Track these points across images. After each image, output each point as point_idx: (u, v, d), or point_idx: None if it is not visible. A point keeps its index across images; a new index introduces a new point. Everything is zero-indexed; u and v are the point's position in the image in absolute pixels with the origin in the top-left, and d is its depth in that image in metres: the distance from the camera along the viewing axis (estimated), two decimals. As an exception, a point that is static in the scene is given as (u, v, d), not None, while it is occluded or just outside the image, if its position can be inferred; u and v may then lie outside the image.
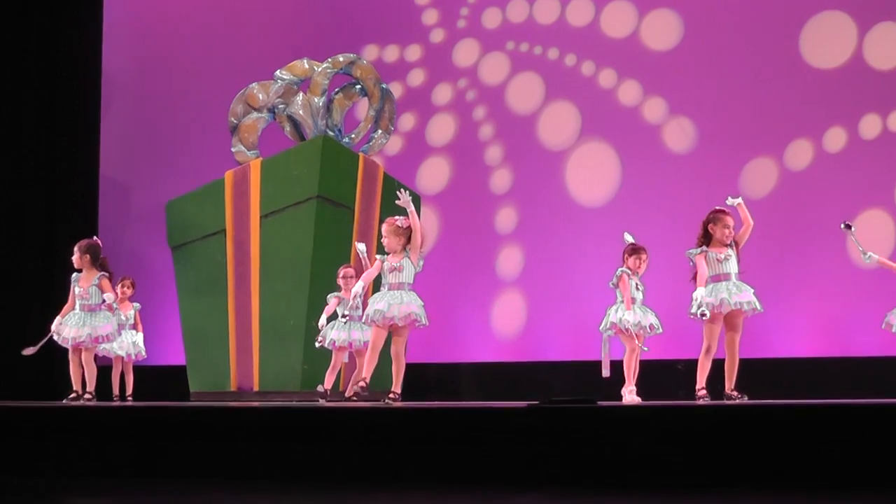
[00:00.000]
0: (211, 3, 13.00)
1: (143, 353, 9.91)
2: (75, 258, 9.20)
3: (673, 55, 11.76)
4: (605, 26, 11.94)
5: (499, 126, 12.14)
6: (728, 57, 11.54)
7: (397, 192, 8.19)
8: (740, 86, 11.45)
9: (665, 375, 8.74)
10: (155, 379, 10.28)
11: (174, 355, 10.43)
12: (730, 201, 8.14)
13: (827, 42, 11.43)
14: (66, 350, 9.15)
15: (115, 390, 9.46)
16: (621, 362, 8.25)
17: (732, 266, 7.98)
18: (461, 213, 12.05)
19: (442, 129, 12.28)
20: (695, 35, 11.70)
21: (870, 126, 11.21)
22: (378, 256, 8.24)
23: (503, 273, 11.93)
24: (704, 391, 7.90)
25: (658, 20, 11.82)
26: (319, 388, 8.93)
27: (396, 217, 8.21)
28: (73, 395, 9.21)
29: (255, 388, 9.90)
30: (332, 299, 9.04)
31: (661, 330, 8.24)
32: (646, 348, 8.19)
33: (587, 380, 8.26)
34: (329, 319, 8.97)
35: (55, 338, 9.09)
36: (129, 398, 9.78)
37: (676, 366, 9.14)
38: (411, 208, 8.12)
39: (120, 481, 6.41)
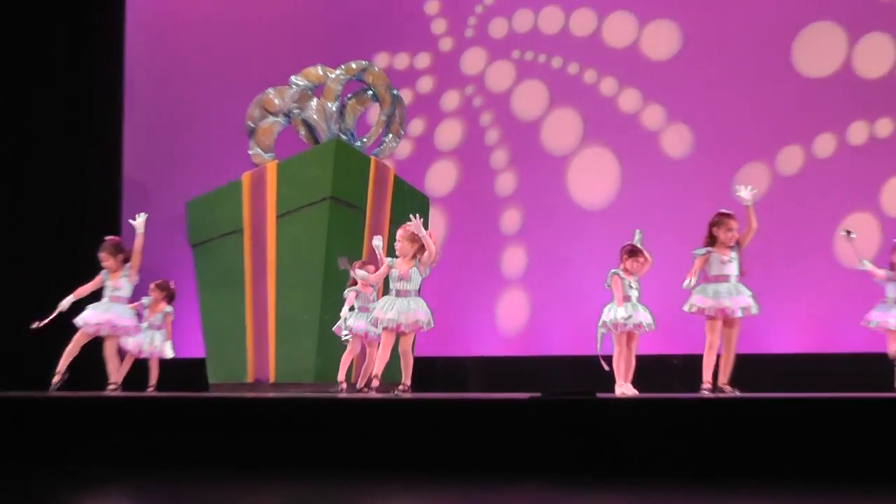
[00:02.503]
0: (229, 11, 13.03)
1: (167, 354, 9.87)
2: (106, 258, 9.23)
3: (671, 64, 11.80)
4: (606, 36, 11.99)
5: (504, 131, 12.19)
6: (723, 66, 11.58)
7: (410, 216, 8.16)
8: (735, 94, 11.49)
9: (663, 370, 8.78)
10: (176, 371, 10.30)
11: (194, 348, 10.47)
12: (743, 192, 8.18)
13: (818, 52, 11.48)
14: (62, 337, 9.18)
15: (115, 378, 9.41)
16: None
17: (734, 269, 8.01)
18: (468, 215, 12.10)
19: (450, 133, 12.34)
20: (692, 45, 11.75)
21: (857, 133, 11.26)
22: (387, 260, 8.29)
23: (507, 272, 11.99)
24: (710, 385, 7.87)
25: (657, 31, 11.86)
26: (340, 385, 9.00)
27: (410, 225, 8.21)
28: (111, 385, 9.28)
29: (271, 380, 9.92)
30: (349, 293, 9.10)
31: (653, 327, 8.26)
32: (606, 368, 8.23)
33: (588, 373, 8.27)
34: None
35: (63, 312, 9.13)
36: (151, 388, 9.81)
37: (672, 361, 9.20)
38: (423, 233, 8.10)
39: (143, 468, 6.45)
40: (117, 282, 9.19)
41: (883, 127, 11.24)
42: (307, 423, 6.74)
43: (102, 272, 9.23)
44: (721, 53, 11.61)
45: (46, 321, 9.12)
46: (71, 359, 9.10)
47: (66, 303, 9.15)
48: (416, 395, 8.02)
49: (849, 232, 8.74)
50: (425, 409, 6.94)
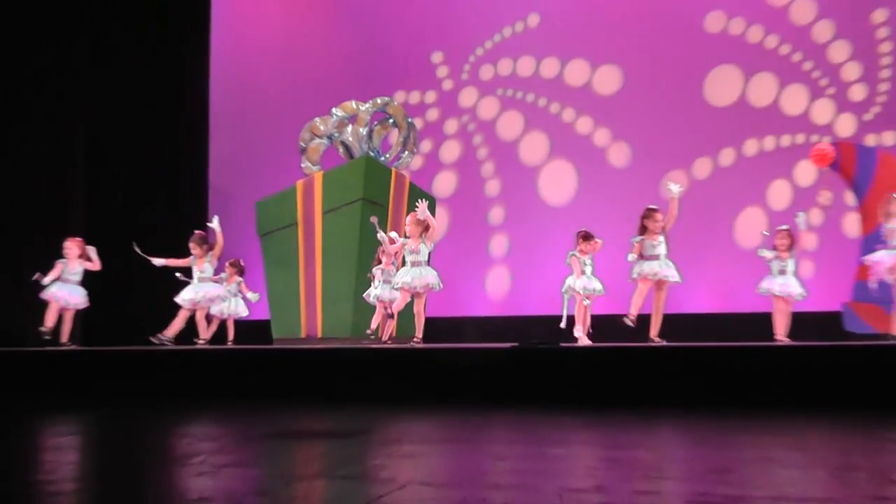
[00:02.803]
0: (289, 56, 13.00)
1: (242, 313, 9.95)
2: (194, 248, 9.27)
3: (616, 98, 11.82)
4: (567, 78, 12.00)
5: (491, 150, 12.20)
6: (654, 98, 11.60)
7: (416, 203, 8.26)
8: (662, 119, 11.53)
9: (611, 326, 8.82)
10: (248, 329, 10.36)
11: (263, 312, 10.50)
12: (673, 187, 8.22)
13: (721, 88, 11.51)
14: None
15: (205, 334, 9.46)
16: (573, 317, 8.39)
17: (662, 249, 8.09)
18: (464, 211, 12.12)
19: (450, 151, 12.35)
20: (631, 83, 11.76)
21: (750, 147, 11.34)
22: (401, 239, 8.40)
23: (494, 253, 12.02)
24: (633, 317, 8.04)
25: (605, 73, 11.88)
26: (368, 332, 8.99)
27: (418, 213, 8.29)
28: (200, 340, 9.33)
29: (319, 335, 9.95)
30: (377, 271, 9.13)
31: (603, 292, 8.34)
32: (588, 301, 8.30)
33: (553, 329, 8.32)
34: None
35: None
36: (231, 342, 9.85)
37: (620, 319, 9.25)
38: (427, 215, 8.20)
39: (229, 400, 6.54)
40: (203, 266, 9.24)
41: (768, 143, 11.32)
42: (346, 366, 6.83)
43: (190, 257, 9.27)
44: (652, 89, 11.64)
45: (144, 256, 9.19)
46: (178, 331, 9.12)
47: (159, 261, 9.23)
48: (426, 345, 8.05)
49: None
50: (433, 355, 7.03)
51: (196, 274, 9.26)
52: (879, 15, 11.14)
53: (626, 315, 8.08)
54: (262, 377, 6.90)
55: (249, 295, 10.03)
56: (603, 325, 8.51)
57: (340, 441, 3.96)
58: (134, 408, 5.98)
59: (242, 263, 9.93)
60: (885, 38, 11.12)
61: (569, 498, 2.44)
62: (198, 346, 8.94)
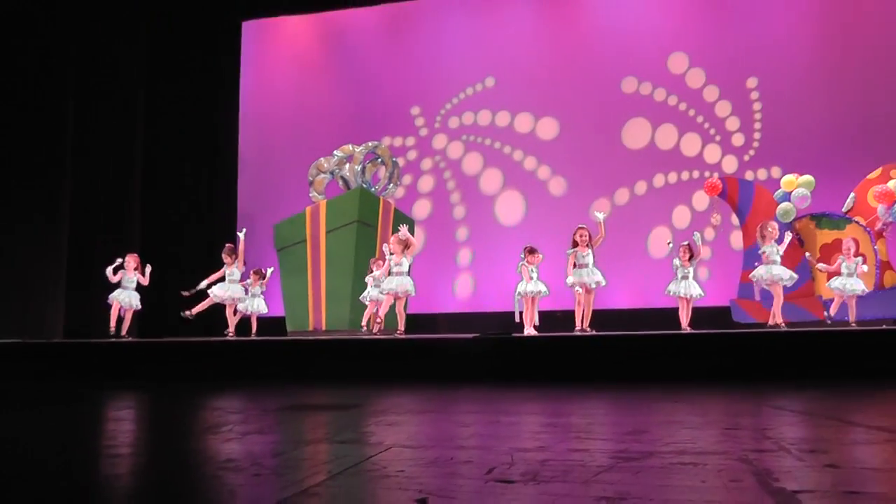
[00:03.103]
0: (299, 110, 12.97)
1: (263, 311, 9.88)
2: (225, 257, 9.25)
3: (555, 142, 11.90)
4: (516, 126, 12.07)
5: (457, 182, 12.23)
6: (583, 142, 11.69)
7: (399, 226, 8.31)
8: (590, 158, 11.61)
9: (553, 319, 8.85)
10: (269, 324, 10.31)
11: (279, 309, 10.45)
12: (599, 216, 8.28)
13: (636, 134, 11.60)
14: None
15: (231, 328, 9.42)
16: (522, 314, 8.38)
17: (590, 259, 8.11)
18: (437, 230, 12.12)
19: (426, 184, 12.36)
20: (567, 131, 11.85)
21: (658, 180, 11.41)
22: (389, 256, 8.40)
23: (461, 263, 12.04)
24: (580, 327, 8.09)
25: (547, 123, 11.98)
26: (362, 326, 9.00)
27: (400, 234, 8.30)
28: (228, 332, 9.27)
29: (323, 328, 9.92)
30: (369, 279, 9.11)
31: (548, 294, 8.34)
32: (545, 291, 8.33)
33: (508, 322, 8.34)
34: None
35: (207, 291, 9.17)
36: (254, 334, 9.79)
37: (556, 314, 9.26)
38: (408, 235, 8.30)
39: (247, 382, 6.47)
40: (232, 271, 9.20)
41: (671, 177, 11.44)
42: (344, 353, 6.79)
43: (224, 266, 9.23)
44: (582, 135, 11.72)
45: (194, 291, 9.17)
46: (201, 311, 9.17)
47: (204, 283, 9.19)
48: (407, 335, 8.03)
49: (669, 243, 8.78)
50: (413, 344, 7.02)
51: (227, 277, 9.23)
52: (752, 82, 11.37)
53: (580, 328, 8.13)
54: (278, 362, 6.86)
55: (268, 272, 9.91)
56: (547, 319, 8.54)
57: (339, 412, 3.93)
58: (177, 388, 5.91)
59: (264, 270, 9.88)
60: (756, 99, 11.30)
61: (518, 456, 2.43)
62: (228, 339, 8.88)
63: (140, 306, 9.39)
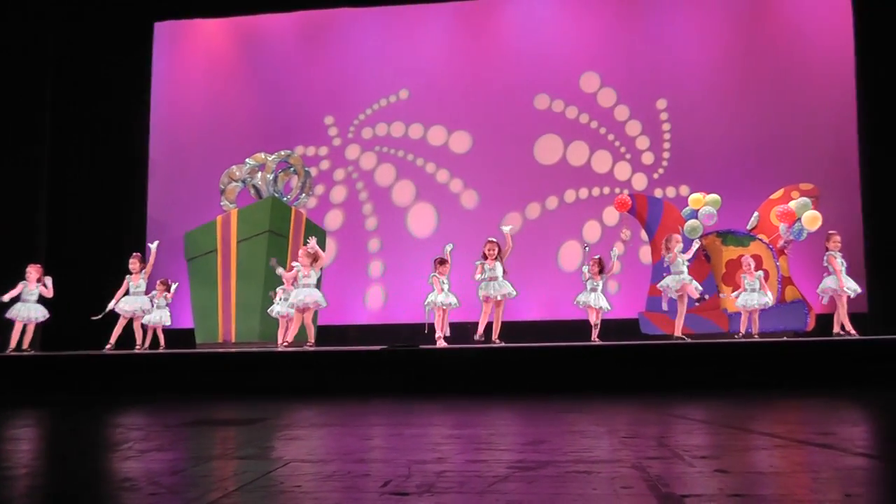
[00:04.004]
0: (212, 117, 12.70)
1: (167, 322, 9.65)
2: (133, 265, 8.99)
3: (468, 156, 12.01)
4: (430, 139, 12.14)
5: (370, 194, 12.20)
6: (496, 157, 11.84)
7: (307, 239, 8.31)
8: (503, 173, 11.77)
9: (463, 331, 8.91)
10: (176, 336, 10.09)
11: (188, 322, 10.25)
12: (505, 229, 8.41)
13: (548, 150, 11.82)
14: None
15: (139, 340, 9.19)
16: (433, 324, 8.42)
17: (499, 271, 8.20)
18: (349, 242, 12.06)
19: (338, 194, 12.27)
20: (479, 145, 11.98)
21: (569, 196, 11.66)
22: (295, 265, 8.37)
23: (372, 275, 12.00)
24: (482, 336, 8.18)
25: (460, 136, 12.06)
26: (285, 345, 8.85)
27: (309, 247, 8.28)
28: (138, 346, 9.03)
29: (233, 340, 9.78)
30: (279, 291, 9.03)
31: (458, 305, 8.40)
32: (426, 331, 8.41)
33: (417, 333, 8.37)
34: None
35: (115, 309, 8.89)
36: (163, 347, 9.57)
37: (467, 326, 9.33)
38: (316, 248, 8.30)
39: (159, 395, 6.33)
40: (138, 281, 8.97)
41: (583, 193, 11.68)
42: (255, 365, 6.72)
43: (128, 277, 8.98)
44: (495, 150, 11.87)
45: (102, 315, 8.89)
46: (118, 336, 8.84)
47: (112, 305, 8.88)
48: (316, 347, 7.98)
49: (586, 247, 9.02)
50: (321, 356, 6.97)
51: (132, 287, 9.00)
52: (661, 103, 11.75)
53: (475, 333, 8.20)
54: (185, 376, 6.71)
55: (173, 287, 9.69)
56: (458, 330, 8.61)
57: (243, 427, 3.89)
58: (80, 403, 5.74)
59: (170, 282, 9.68)
60: (665, 119, 11.69)
61: (415, 468, 2.47)
62: (134, 351, 8.65)
63: (43, 318, 9.04)
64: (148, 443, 3.25)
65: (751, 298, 8.76)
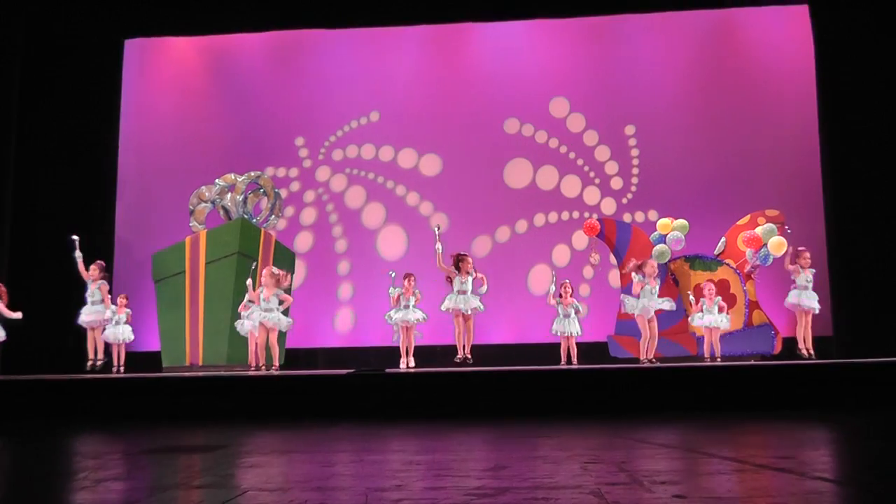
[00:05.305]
0: (182, 137, 12.49)
1: (129, 338, 9.54)
2: (94, 270, 8.97)
3: (437, 178, 12.01)
4: (400, 162, 12.12)
5: (340, 216, 12.13)
6: (467, 180, 11.87)
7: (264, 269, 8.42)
8: (472, 196, 11.79)
9: (432, 355, 8.94)
10: (142, 358, 9.99)
11: (155, 343, 10.14)
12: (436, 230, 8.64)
13: (517, 174, 11.89)
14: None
15: (91, 354, 9.10)
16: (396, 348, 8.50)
17: (469, 286, 8.32)
18: (319, 264, 11.98)
19: (308, 216, 12.19)
20: (449, 168, 12.00)
21: (539, 219, 11.72)
22: (260, 289, 8.42)
23: (342, 297, 11.92)
24: (461, 356, 8.35)
25: (429, 159, 12.07)
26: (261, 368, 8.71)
27: (272, 268, 8.33)
28: (90, 361, 8.93)
29: (200, 363, 9.70)
30: (243, 310, 8.97)
31: (426, 319, 8.49)
32: (419, 333, 8.44)
33: (386, 357, 8.37)
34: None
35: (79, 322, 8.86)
36: (122, 367, 9.45)
37: (436, 349, 9.35)
38: (280, 271, 8.48)
39: (123, 421, 6.25)
40: (93, 290, 8.95)
41: (552, 217, 11.74)
42: (215, 389, 6.65)
43: (89, 284, 9.00)
44: (465, 173, 11.90)
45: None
46: (94, 347, 8.93)
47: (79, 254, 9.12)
48: (283, 371, 7.94)
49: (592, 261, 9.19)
50: (290, 380, 6.94)
51: (89, 298, 8.91)
52: (630, 129, 11.88)
53: (456, 356, 8.26)
54: (148, 400, 6.62)
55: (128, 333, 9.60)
56: (426, 353, 8.62)
57: (202, 455, 3.86)
58: (37, 429, 5.65)
59: (127, 299, 9.61)
60: (633, 145, 11.82)
61: (372, 496, 2.46)
62: (95, 376, 8.52)
63: (4, 338, 8.90)
64: (104, 472, 3.21)
65: (713, 319, 8.94)
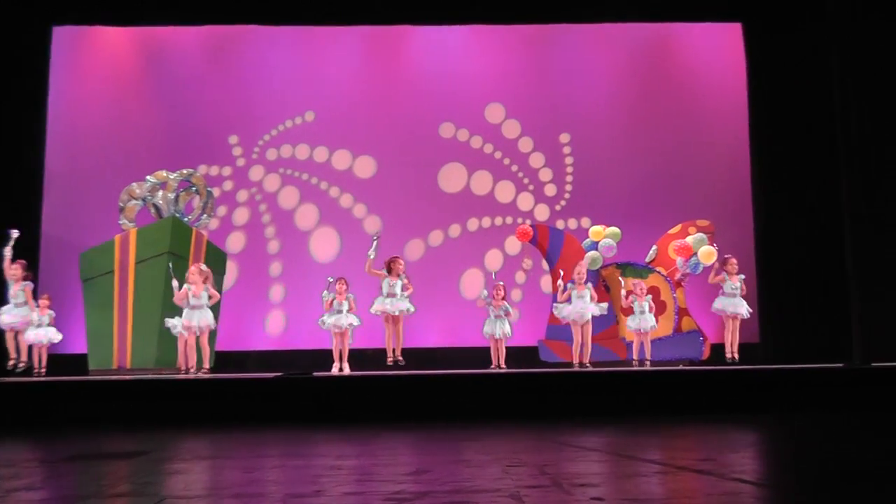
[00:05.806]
0: (112, 130, 12.13)
1: (55, 339, 9.34)
2: (17, 269, 8.75)
3: (372, 180, 12.01)
4: (334, 163, 12.07)
5: (273, 216, 12.02)
6: (401, 183, 11.90)
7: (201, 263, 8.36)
8: (406, 199, 11.83)
9: (363, 358, 8.93)
10: (69, 361, 9.76)
11: (82, 346, 9.91)
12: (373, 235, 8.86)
13: (451, 179, 11.96)
14: None
15: (16, 355, 8.90)
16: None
17: (398, 288, 8.44)
18: (250, 265, 11.85)
19: (241, 216, 12.04)
20: (384, 170, 12.00)
21: (472, 224, 11.83)
22: (186, 286, 8.32)
23: (273, 299, 11.83)
24: (393, 358, 8.42)
25: (364, 161, 12.05)
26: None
27: (201, 265, 8.28)
28: (12, 361, 8.71)
29: (128, 366, 9.49)
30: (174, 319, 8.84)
31: (359, 323, 8.50)
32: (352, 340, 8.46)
33: (319, 360, 8.34)
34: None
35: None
36: (43, 370, 9.23)
37: (367, 352, 9.34)
38: (208, 269, 8.42)
39: (38, 427, 6.11)
40: (16, 292, 8.73)
41: (485, 222, 11.87)
42: (151, 393, 6.55)
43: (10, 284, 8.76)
44: (399, 176, 11.92)
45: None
46: (25, 352, 8.79)
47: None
48: (215, 374, 7.86)
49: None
50: (217, 383, 6.86)
51: (12, 299, 8.71)
52: (564, 137, 12.08)
53: (387, 359, 8.30)
54: (71, 404, 6.45)
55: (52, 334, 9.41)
56: (357, 357, 8.61)
57: (122, 462, 3.80)
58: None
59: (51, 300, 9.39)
60: (568, 153, 12.02)
61: (292, 502, 2.47)
62: (16, 379, 8.29)
63: None
64: (18, 481, 3.13)
65: (643, 320, 9.10)
